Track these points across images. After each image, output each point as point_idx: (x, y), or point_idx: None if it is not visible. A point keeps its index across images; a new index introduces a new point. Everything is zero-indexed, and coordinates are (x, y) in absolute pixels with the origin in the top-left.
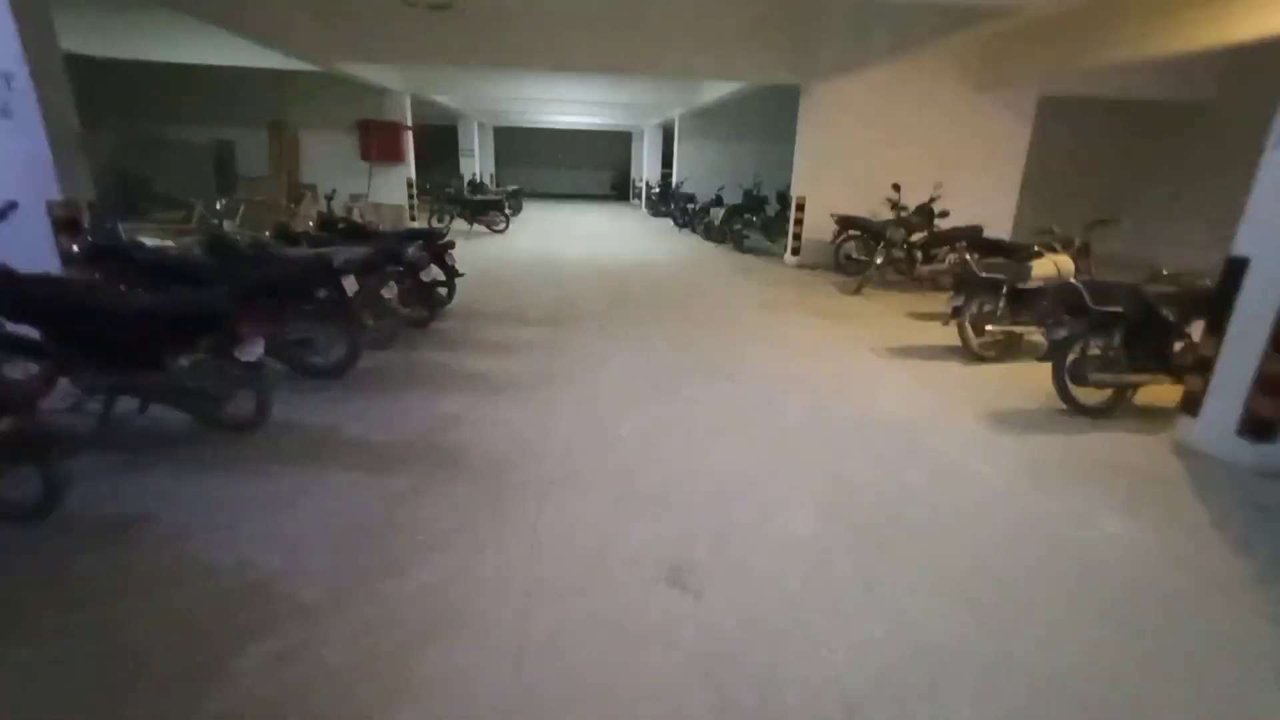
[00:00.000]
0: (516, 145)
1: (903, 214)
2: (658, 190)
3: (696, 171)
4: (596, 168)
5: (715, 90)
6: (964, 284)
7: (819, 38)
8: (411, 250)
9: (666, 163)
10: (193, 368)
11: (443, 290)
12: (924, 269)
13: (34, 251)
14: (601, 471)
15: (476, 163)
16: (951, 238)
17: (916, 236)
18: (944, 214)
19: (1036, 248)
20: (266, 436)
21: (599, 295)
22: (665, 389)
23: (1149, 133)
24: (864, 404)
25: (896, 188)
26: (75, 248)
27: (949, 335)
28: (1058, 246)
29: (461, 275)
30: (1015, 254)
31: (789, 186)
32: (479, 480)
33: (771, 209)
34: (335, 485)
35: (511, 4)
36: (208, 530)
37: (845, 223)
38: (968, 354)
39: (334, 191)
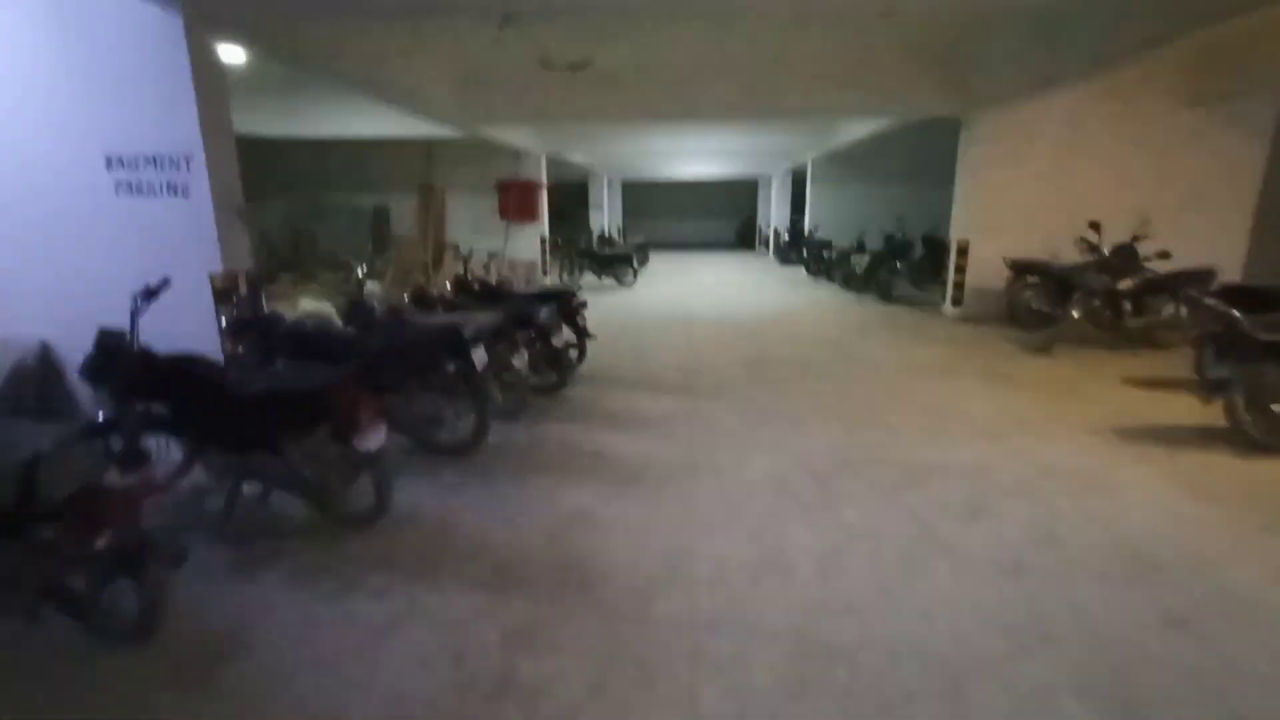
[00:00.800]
0: (643, 198)
1: (1098, 256)
2: (787, 238)
3: (830, 216)
4: (722, 216)
5: (853, 131)
6: (1230, 346)
7: (985, 63)
8: (544, 314)
9: (796, 208)
10: (312, 454)
11: (573, 352)
12: (1136, 322)
13: (198, 324)
14: (770, 613)
15: (605, 216)
16: (1171, 283)
17: (1124, 284)
18: (1165, 254)
19: None
20: (383, 531)
21: (735, 357)
22: (833, 489)
23: None
24: (1112, 522)
25: (1095, 226)
26: (222, 321)
27: (1192, 411)
28: None
29: (593, 337)
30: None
31: (933, 229)
32: (615, 614)
33: (916, 253)
34: (447, 610)
35: (647, 58)
36: (306, 669)
37: (1023, 268)
38: (1238, 439)
39: (471, 251)
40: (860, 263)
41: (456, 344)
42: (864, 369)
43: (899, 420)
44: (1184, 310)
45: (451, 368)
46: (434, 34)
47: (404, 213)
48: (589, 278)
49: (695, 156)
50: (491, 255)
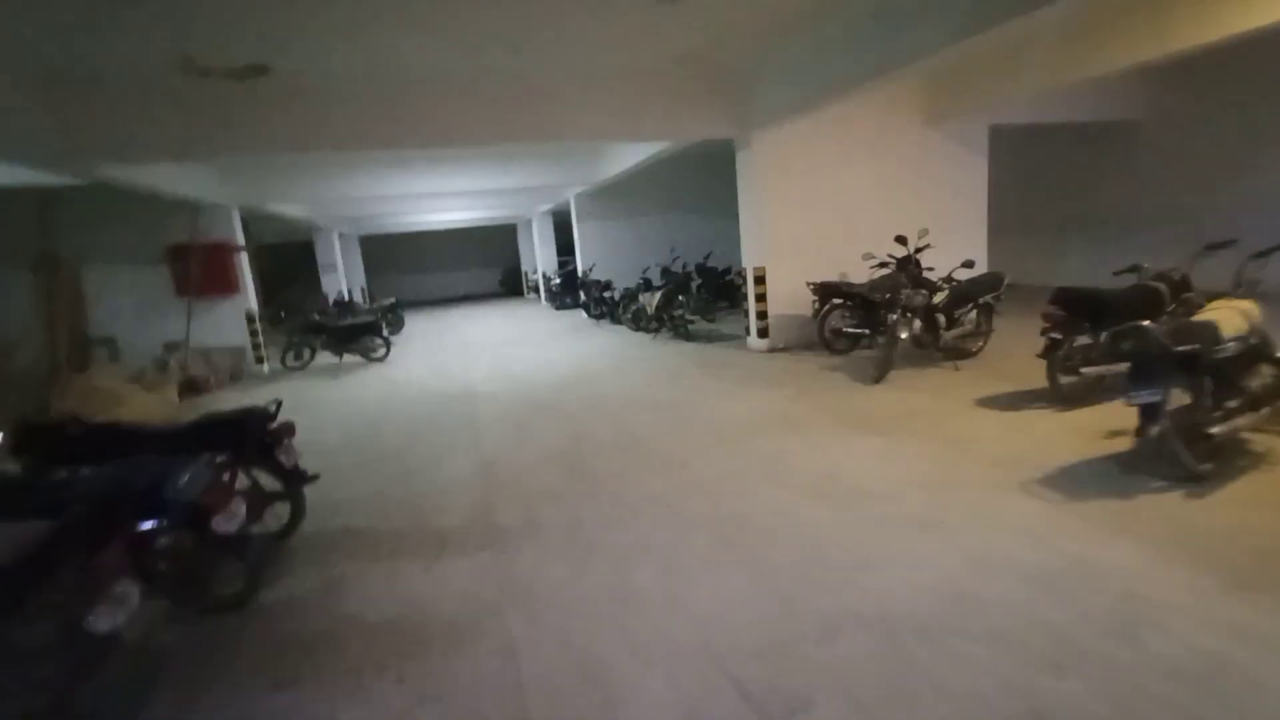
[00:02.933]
0: (389, 252)
1: (884, 271)
2: (559, 281)
3: (602, 254)
4: (482, 264)
5: (621, 161)
6: (1146, 364)
7: (760, 81)
8: (184, 481)
9: (564, 250)
10: None
11: (279, 507)
12: (950, 335)
13: None
14: None
15: (342, 278)
16: (972, 293)
17: (939, 297)
18: (969, 263)
19: (1175, 296)
20: None
21: (541, 450)
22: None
23: (1091, 153)
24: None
25: (902, 240)
26: None
27: (1092, 443)
28: (1163, 287)
29: (312, 479)
30: (1128, 306)
31: (708, 258)
32: None
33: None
34: None
35: (356, 65)
36: None
37: (827, 291)
38: (1187, 475)
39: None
40: (650, 301)
41: None
42: (706, 435)
43: (795, 516)
44: (980, 318)
45: None
46: None
47: (10, 295)
48: (325, 359)
49: (441, 200)
50: (170, 347)
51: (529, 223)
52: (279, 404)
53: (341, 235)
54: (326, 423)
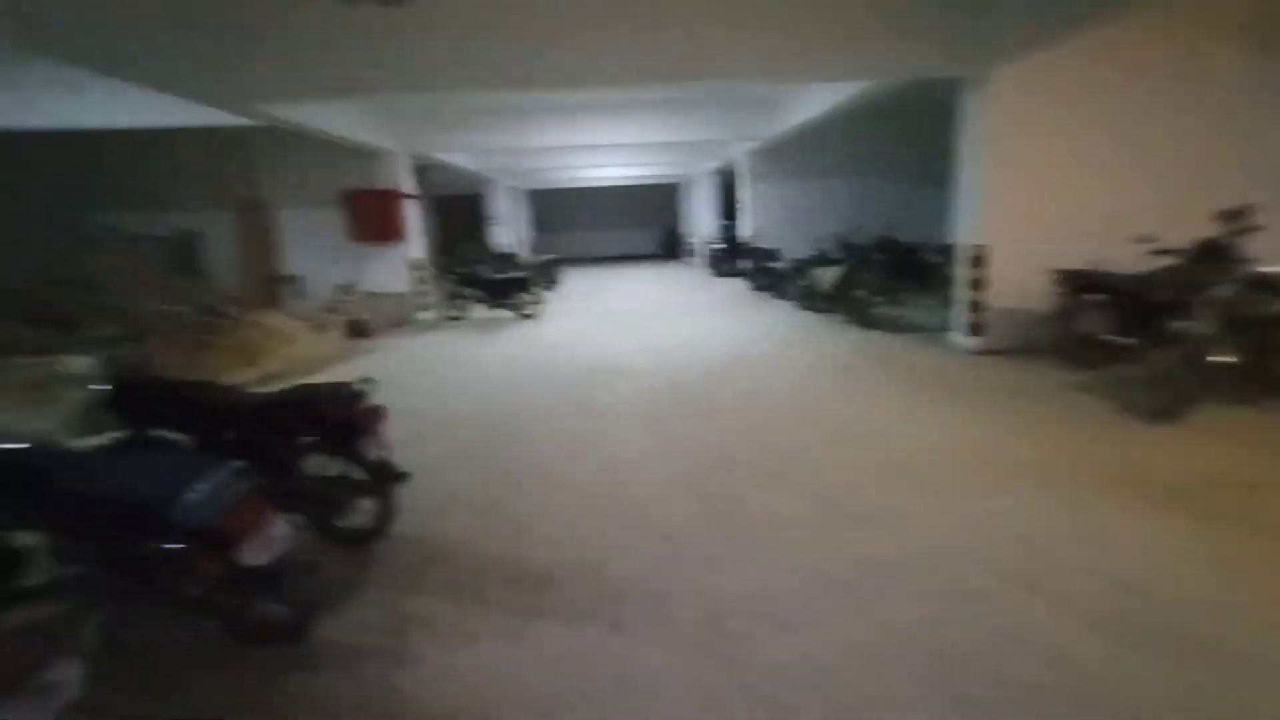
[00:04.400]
0: (555, 209)
1: (1167, 260)
2: (720, 246)
3: (768, 220)
4: (643, 225)
5: (797, 112)
6: None
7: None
8: (198, 497)
9: (728, 215)
10: None
11: (365, 505)
12: None
13: None
14: None
15: (508, 232)
16: None
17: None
18: None
19: None
20: None
21: (678, 472)
22: None
23: None
24: None
25: (1232, 214)
26: None
27: None
28: None
29: (401, 478)
30: None
31: (889, 230)
32: None
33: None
34: None
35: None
36: None
37: (1080, 283)
38: None
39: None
40: (826, 278)
41: None
42: (900, 476)
43: (1088, 688)
44: None
45: None
46: None
47: (221, 236)
48: (482, 311)
49: (601, 154)
50: (344, 289)
51: (692, 182)
52: (371, 382)
53: (510, 189)
54: (456, 387)
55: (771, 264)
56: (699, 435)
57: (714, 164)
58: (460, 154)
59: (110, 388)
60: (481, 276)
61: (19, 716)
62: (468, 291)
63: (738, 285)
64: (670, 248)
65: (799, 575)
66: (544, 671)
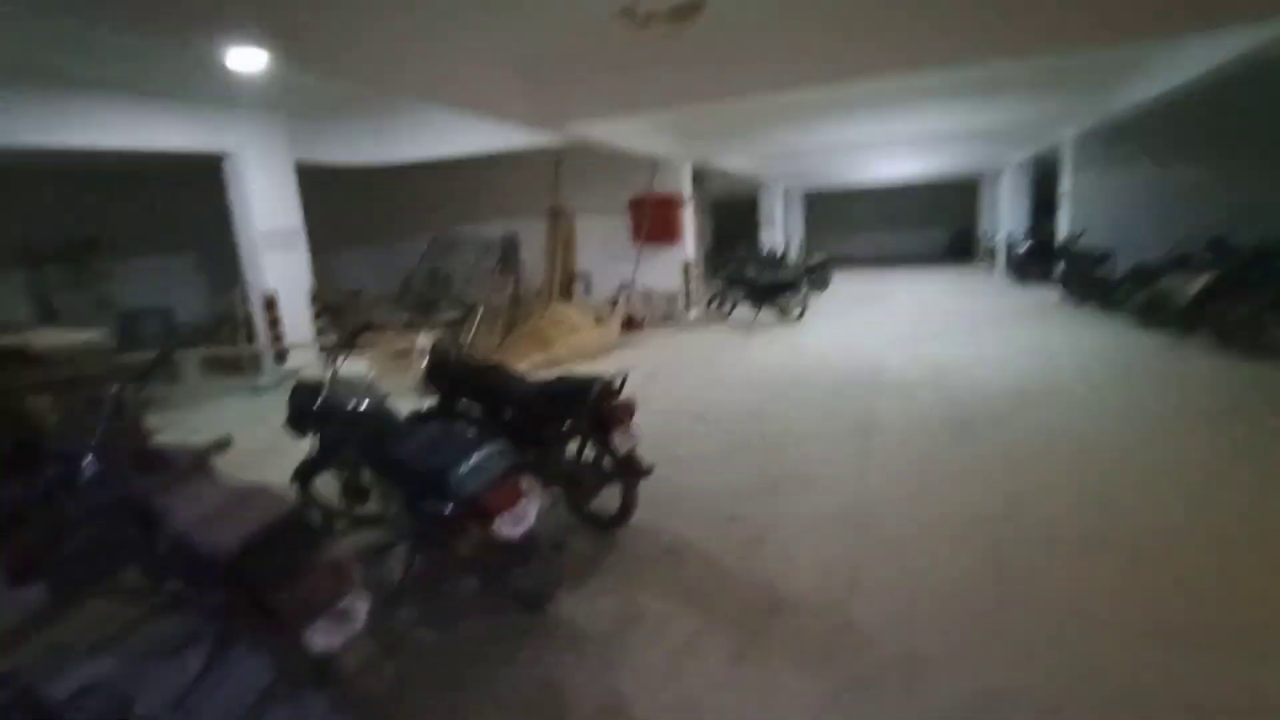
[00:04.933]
0: (827, 209)
1: None
2: (1026, 248)
3: (1098, 217)
4: (929, 224)
5: (1154, 80)
6: None
7: None
8: (467, 469)
9: (1040, 210)
10: None
11: (607, 488)
12: None
13: None
14: None
15: (779, 233)
16: None
17: None
18: None
19: None
20: None
21: (949, 517)
22: None
23: None
24: None
25: None
26: None
27: None
28: None
29: (645, 473)
30: None
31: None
32: None
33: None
34: None
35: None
36: None
37: None
38: None
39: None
40: (1179, 288)
41: None
42: None
43: None
44: None
45: None
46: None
47: (533, 240)
48: (747, 312)
49: (890, 150)
50: (622, 287)
51: (993, 176)
52: (624, 377)
53: (785, 191)
54: (711, 387)
55: (1096, 269)
56: (984, 477)
57: (1024, 154)
58: (739, 158)
59: (429, 363)
60: (749, 278)
61: (321, 637)
62: (734, 293)
63: (1046, 295)
64: (961, 250)
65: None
66: (769, 710)
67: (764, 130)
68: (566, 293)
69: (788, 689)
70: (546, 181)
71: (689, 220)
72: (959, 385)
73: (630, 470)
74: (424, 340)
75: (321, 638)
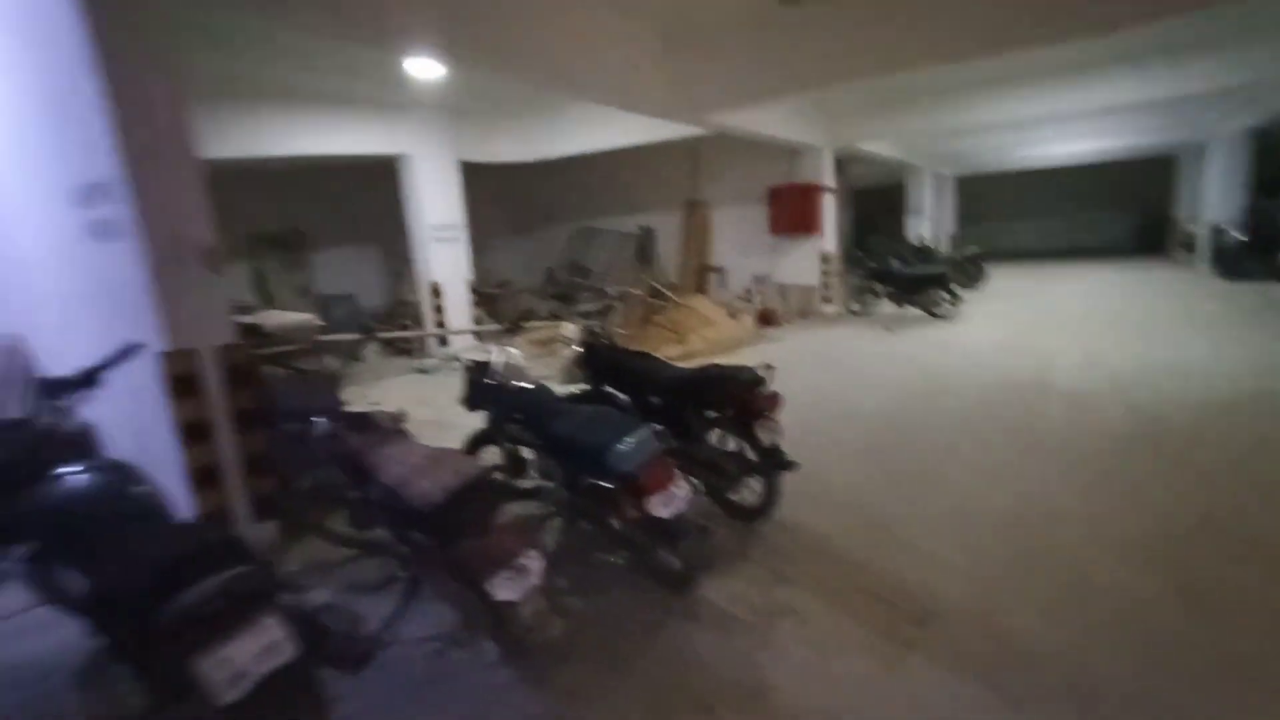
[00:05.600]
0: (983, 195)
1: None
2: (1242, 239)
3: None
4: (1107, 211)
5: None
6: None
7: None
8: (625, 448)
9: (1264, 189)
10: None
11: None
12: None
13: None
14: None
15: (927, 223)
16: None
17: None
18: None
19: None
20: None
21: (1146, 540)
22: None
23: None
24: None
25: None
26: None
27: None
28: None
29: (789, 466)
30: None
31: None
32: None
33: None
34: None
35: None
36: None
37: None
38: None
39: (723, 271)
40: None
41: None
42: None
43: None
44: None
45: None
46: None
47: (669, 233)
48: (890, 308)
49: (1062, 126)
50: (758, 280)
51: (1199, 152)
52: (770, 370)
53: (936, 176)
54: (852, 385)
55: None
56: (1180, 496)
57: (1238, 123)
58: (885, 142)
59: (581, 350)
60: (893, 271)
61: (502, 588)
62: (877, 287)
63: (1267, 293)
64: (1151, 240)
65: None
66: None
67: (915, 109)
68: (701, 285)
69: (938, 701)
70: (683, 174)
71: (829, 210)
72: (1146, 395)
73: (774, 463)
74: (571, 329)
75: (503, 589)
